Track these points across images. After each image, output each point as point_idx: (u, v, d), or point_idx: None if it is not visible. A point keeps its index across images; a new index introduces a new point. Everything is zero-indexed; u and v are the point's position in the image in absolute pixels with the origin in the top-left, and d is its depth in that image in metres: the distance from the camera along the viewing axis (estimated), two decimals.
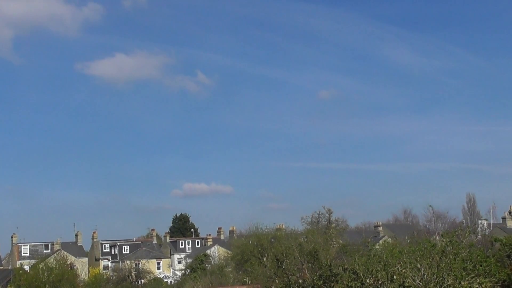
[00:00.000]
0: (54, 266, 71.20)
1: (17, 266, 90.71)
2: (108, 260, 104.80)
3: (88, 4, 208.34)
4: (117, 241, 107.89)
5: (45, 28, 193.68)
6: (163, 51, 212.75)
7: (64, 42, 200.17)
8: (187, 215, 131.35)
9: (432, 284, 22.97)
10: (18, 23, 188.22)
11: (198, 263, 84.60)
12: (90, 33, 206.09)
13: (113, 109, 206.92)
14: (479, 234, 67.85)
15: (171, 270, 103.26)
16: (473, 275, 24.27)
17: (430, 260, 23.69)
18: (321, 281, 25.83)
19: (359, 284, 23.59)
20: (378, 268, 23.92)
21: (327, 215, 76.90)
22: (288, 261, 30.90)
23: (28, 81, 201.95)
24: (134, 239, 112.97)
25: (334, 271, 25.92)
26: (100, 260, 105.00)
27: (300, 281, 27.33)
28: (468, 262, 25.16)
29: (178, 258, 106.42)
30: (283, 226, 76.96)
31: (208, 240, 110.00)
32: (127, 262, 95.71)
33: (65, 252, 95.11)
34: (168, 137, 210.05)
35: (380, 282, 23.35)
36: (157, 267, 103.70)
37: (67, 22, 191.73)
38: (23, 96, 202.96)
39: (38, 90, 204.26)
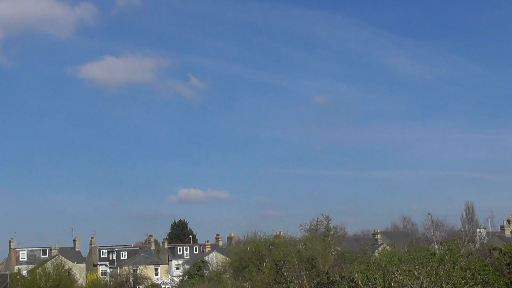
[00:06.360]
0: (51, 272, 71.12)
1: (15, 271, 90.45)
2: (106, 265, 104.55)
3: (80, 4, 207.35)
4: (115, 247, 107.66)
5: (36, 29, 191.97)
6: (157, 54, 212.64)
7: (56, 44, 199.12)
8: (185, 221, 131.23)
9: None
10: (8, 24, 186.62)
11: (196, 270, 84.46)
12: (82, 35, 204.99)
13: (108, 114, 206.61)
14: (477, 243, 67.78)
15: (169, 276, 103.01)
16: (471, 283, 24.24)
17: (429, 268, 23.65)
18: None
19: None
20: (377, 276, 23.88)
21: (326, 222, 77.00)
22: (287, 267, 30.88)
23: (20, 84, 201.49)
24: (132, 244, 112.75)
25: (331, 279, 25.91)
26: (98, 265, 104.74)
27: None
28: (467, 270, 25.11)
29: (176, 264, 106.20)
30: (282, 233, 76.84)
31: (206, 246, 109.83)
32: (125, 268, 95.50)
33: (63, 258, 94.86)
34: (164, 142, 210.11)
35: None
36: (155, 273, 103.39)
37: (59, 23, 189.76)
38: (17, 100, 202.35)
39: (31, 94, 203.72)
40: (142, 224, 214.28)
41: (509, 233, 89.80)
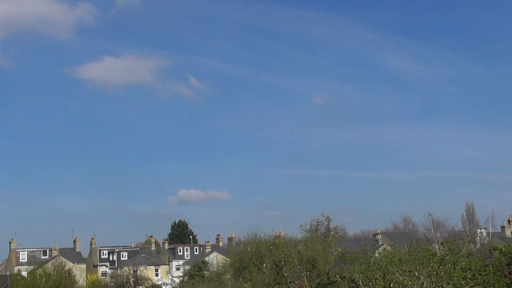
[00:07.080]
0: (52, 272, 71.16)
1: (15, 272, 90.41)
2: (106, 266, 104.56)
3: (80, 4, 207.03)
4: (115, 248, 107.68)
5: (35, 29, 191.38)
6: (157, 54, 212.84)
7: (55, 44, 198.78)
8: (185, 221, 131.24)
9: None
10: (7, 24, 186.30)
11: (196, 270, 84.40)
12: (82, 35, 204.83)
13: (107, 114, 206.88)
14: (478, 243, 67.77)
15: (169, 277, 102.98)
16: (472, 284, 24.20)
17: (429, 268, 23.62)
18: None
19: None
20: (377, 276, 23.85)
21: (326, 223, 76.90)
22: (287, 268, 30.83)
23: (19, 84, 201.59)
24: (133, 245, 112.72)
25: (332, 279, 25.88)
26: (98, 266, 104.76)
27: None
28: (468, 271, 25.09)
29: (176, 265, 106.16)
30: (282, 234, 76.82)
31: (207, 247, 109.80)
32: (125, 268, 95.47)
33: (63, 258, 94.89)
34: (164, 142, 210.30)
35: None
36: (155, 273, 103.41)
37: (58, 24, 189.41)
38: (16, 100, 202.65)
39: (31, 94, 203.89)
40: (142, 225, 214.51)
41: (510, 233, 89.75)
